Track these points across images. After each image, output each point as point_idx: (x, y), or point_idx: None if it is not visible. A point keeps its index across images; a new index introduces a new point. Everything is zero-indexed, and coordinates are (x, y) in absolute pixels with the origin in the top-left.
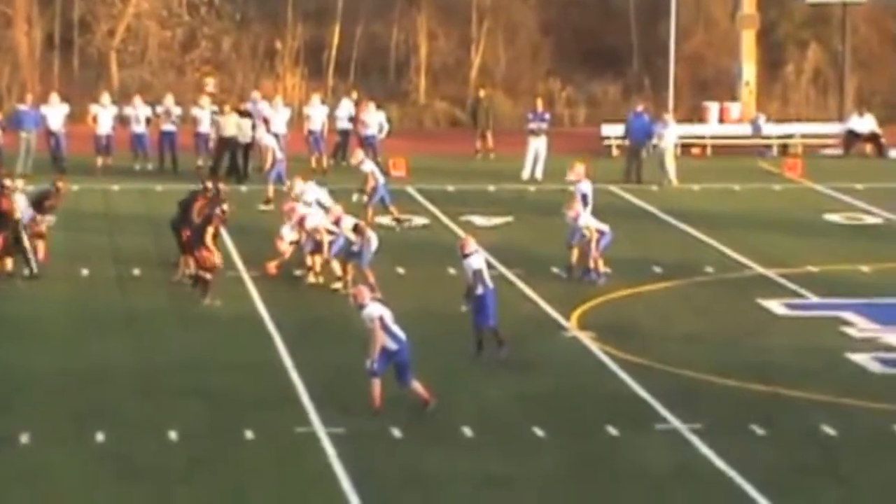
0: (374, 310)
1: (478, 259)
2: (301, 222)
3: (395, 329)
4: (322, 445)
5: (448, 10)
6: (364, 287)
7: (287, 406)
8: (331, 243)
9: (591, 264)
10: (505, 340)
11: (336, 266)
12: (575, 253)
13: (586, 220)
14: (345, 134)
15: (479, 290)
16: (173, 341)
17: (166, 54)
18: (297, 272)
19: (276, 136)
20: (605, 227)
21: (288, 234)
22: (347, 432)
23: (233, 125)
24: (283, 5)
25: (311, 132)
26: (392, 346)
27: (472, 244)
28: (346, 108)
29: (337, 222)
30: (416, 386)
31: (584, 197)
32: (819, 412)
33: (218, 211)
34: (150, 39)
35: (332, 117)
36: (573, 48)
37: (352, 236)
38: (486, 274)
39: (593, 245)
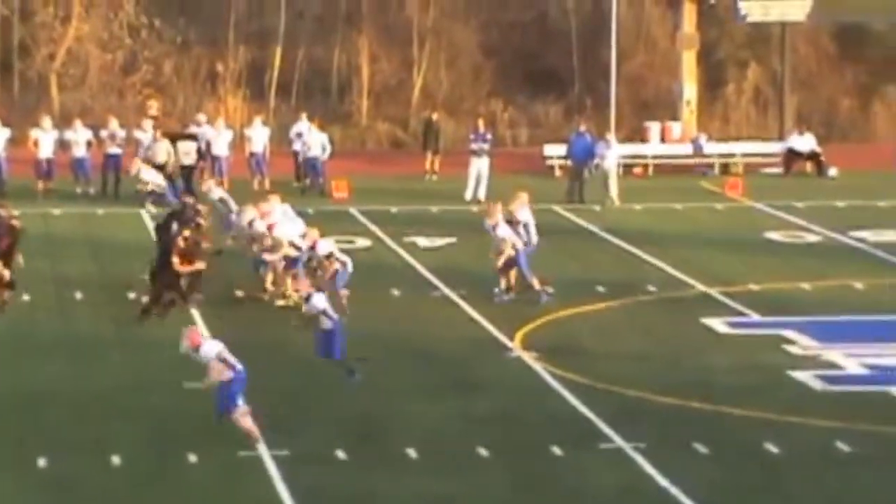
0: (211, 348)
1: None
2: (269, 229)
3: (232, 359)
4: (266, 468)
5: (390, 32)
6: (194, 329)
7: (230, 429)
8: (294, 261)
9: (534, 283)
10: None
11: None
12: (512, 274)
13: (504, 232)
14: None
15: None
16: (116, 365)
17: (107, 77)
18: (239, 293)
19: (217, 157)
20: (521, 245)
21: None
22: (292, 454)
23: (163, 152)
24: (224, 28)
25: (252, 154)
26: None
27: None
28: (302, 129)
29: (313, 246)
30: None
31: (525, 226)
32: (762, 430)
33: (180, 237)
34: (91, 63)
35: (287, 139)
36: (515, 70)
37: (324, 262)
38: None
39: (501, 260)
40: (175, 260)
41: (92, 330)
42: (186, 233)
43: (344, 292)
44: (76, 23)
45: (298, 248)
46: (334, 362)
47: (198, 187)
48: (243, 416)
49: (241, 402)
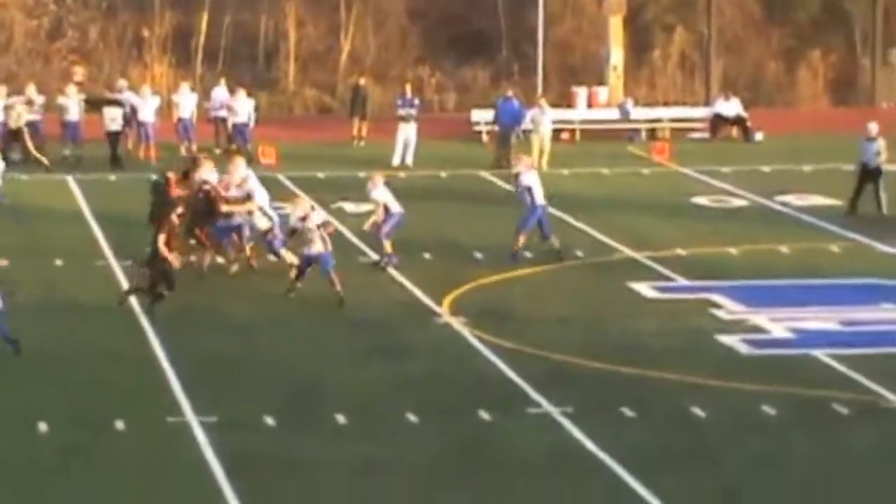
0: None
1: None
2: (249, 197)
3: None
4: (194, 434)
5: None
6: None
7: (158, 395)
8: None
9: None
10: None
11: (288, 256)
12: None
13: (379, 195)
14: (222, 122)
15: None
16: (42, 331)
17: (32, 43)
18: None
19: (143, 123)
20: (397, 208)
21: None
22: (220, 420)
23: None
24: None
25: (180, 120)
26: None
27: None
28: (219, 95)
29: (304, 218)
30: None
31: (529, 189)
32: (688, 394)
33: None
34: (16, 28)
35: (202, 106)
36: (442, 34)
37: (314, 233)
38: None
39: (371, 223)
40: (162, 238)
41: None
42: (180, 210)
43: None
44: None
45: (270, 217)
46: None
47: (124, 153)
48: None
49: None
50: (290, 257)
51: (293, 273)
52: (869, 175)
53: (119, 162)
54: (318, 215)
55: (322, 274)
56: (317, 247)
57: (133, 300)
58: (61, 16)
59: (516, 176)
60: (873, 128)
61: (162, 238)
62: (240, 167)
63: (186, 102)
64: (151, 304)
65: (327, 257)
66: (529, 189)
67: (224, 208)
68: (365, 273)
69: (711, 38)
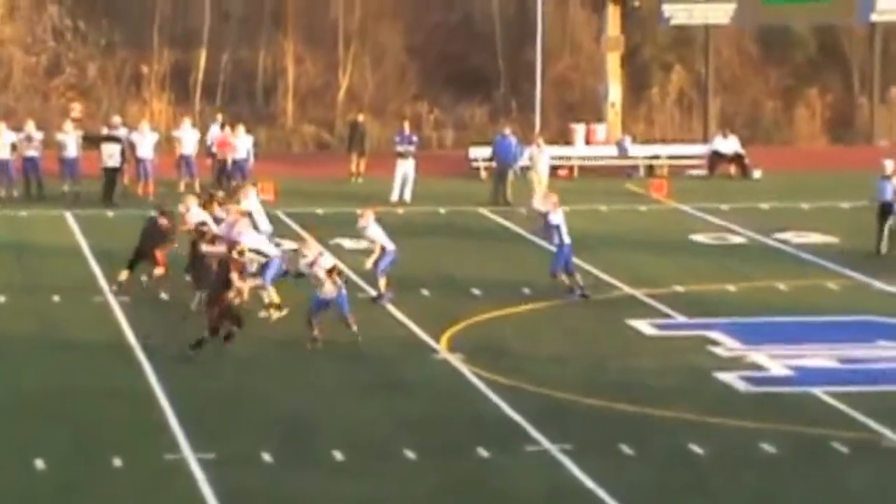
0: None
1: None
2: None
3: None
4: (191, 471)
5: (315, 34)
6: None
7: (156, 432)
8: (264, 267)
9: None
10: None
11: (271, 292)
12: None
13: (373, 233)
14: (213, 158)
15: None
16: (39, 368)
17: (31, 80)
18: (163, 295)
19: (142, 160)
20: (390, 245)
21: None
22: (217, 457)
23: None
24: (149, 30)
25: (182, 156)
26: None
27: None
28: (213, 132)
29: (313, 263)
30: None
31: (558, 228)
32: (687, 431)
33: (234, 253)
34: (15, 65)
35: (202, 142)
36: (440, 71)
37: (324, 279)
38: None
39: (372, 262)
40: (235, 276)
41: (16, 332)
42: (241, 248)
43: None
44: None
45: (266, 254)
46: None
47: (121, 190)
48: None
49: None
50: (273, 295)
51: (273, 312)
52: (887, 213)
53: (111, 199)
54: (328, 260)
55: (338, 317)
56: (328, 290)
57: (131, 336)
58: (60, 52)
59: (545, 215)
60: (889, 165)
61: (234, 275)
62: (244, 202)
63: (188, 138)
64: (194, 347)
65: (342, 300)
66: (558, 227)
67: (204, 248)
68: (363, 309)
69: (709, 77)
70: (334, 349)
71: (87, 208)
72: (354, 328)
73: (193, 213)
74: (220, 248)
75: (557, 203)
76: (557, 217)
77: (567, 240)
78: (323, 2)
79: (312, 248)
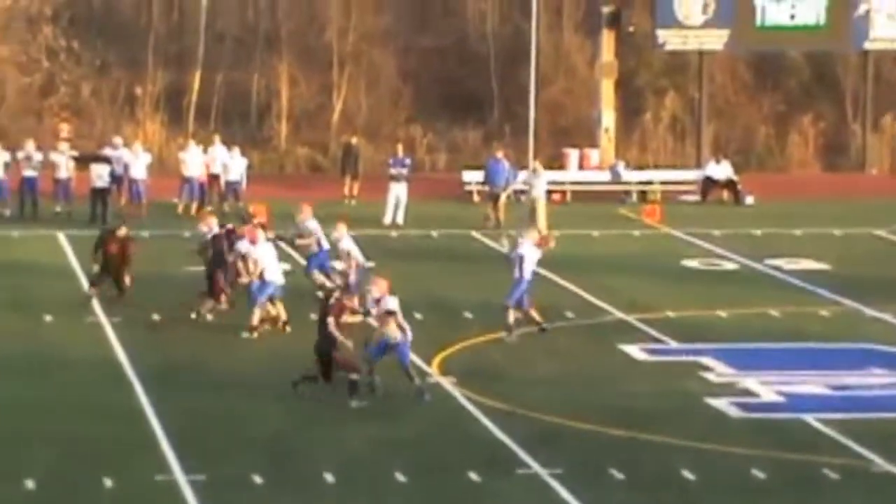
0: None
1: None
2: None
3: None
4: (182, 493)
5: (309, 56)
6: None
7: (147, 453)
8: (261, 287)
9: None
10: None
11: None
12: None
13: (347, 245)
14: (215, 179)
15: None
16: (30, 387)
17: (25, 100)
18: (155, 316)
19: (135, 180)
20: (362, 260)
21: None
22: (208, 479)
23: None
24: (143, 51)
25: (187, 179)
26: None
27: None
28: (216, 153)
29: (379, 300)
30: None
31: (521, 259)
32: (678, 456)
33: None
34: (9, 85)
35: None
36: (434, 94)
37: (393, 331)
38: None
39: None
40: (332, 322)
41: (7, 352)
42: (340, 296)
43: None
44: None
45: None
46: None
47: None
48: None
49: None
50: (280, 311)
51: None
52: None
53: (104, 219)
54: (392, 302)
55: (401, 367)
56: (393, 333)
57: (122, 355)
58: (54, 72)
59: (516, 243)
60: None
61: (332, 321)
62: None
63: (195, 160)
64: (298, 382)
65: (405, 349)
66: (521, 259)
67: (297, 242)
68: (356, 330)
69: (702, 103)
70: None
71: (81, 228)
72: (417, 382)
73: (215, 231)
74: (310, 241)
75: (537, 241)
76: (527, 249)
77: (528, 276)
78: (317, 24)
79: (381, 286)
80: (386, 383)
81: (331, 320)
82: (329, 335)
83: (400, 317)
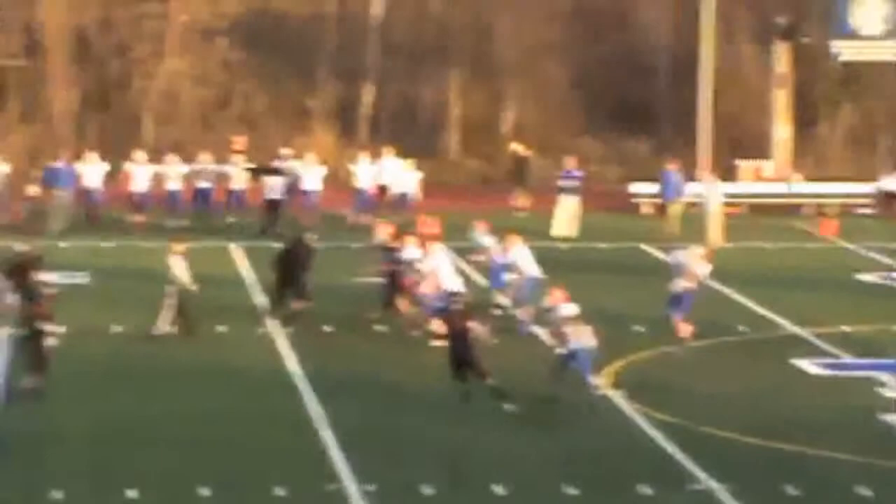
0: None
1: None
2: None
3: None
4: (353, 503)
5: (480, 68)
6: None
7: (317, 462)
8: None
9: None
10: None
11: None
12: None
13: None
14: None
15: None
16: (204, 397)
17: (200, 112)
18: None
19: (308, 192)
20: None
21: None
22: (379, 489)
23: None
24: (316, 64)
25: (357, 191)
26: None
27: None
28: (390, 165)
29: (550, 309)
30: None
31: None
32: (853, 473)
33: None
34: (184, 97)
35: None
36: (603, 105)
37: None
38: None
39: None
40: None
41: (182, 362)
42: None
43: None
44: (170, 58)
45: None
46: None
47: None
48: None
49: None
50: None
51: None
52: None
53: (275, 230)
54: (571, 308)
55: (581, 372)
56: (586, 338)
57: (295, 365)
58: (228, 85)
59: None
60: None
61: (474, 325)
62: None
63: (365, 172)
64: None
65: (586, 357)
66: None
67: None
68: (523, 341)
69: (879, 114)
70: (496, 382)
71: (252, 240)
72: (598, 387)
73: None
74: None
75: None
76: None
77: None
78: (487, 35)
79: (556, 296)
80: (563, 395)
81: (473, 324)
82: (473, 340)
83: (573, 325)
